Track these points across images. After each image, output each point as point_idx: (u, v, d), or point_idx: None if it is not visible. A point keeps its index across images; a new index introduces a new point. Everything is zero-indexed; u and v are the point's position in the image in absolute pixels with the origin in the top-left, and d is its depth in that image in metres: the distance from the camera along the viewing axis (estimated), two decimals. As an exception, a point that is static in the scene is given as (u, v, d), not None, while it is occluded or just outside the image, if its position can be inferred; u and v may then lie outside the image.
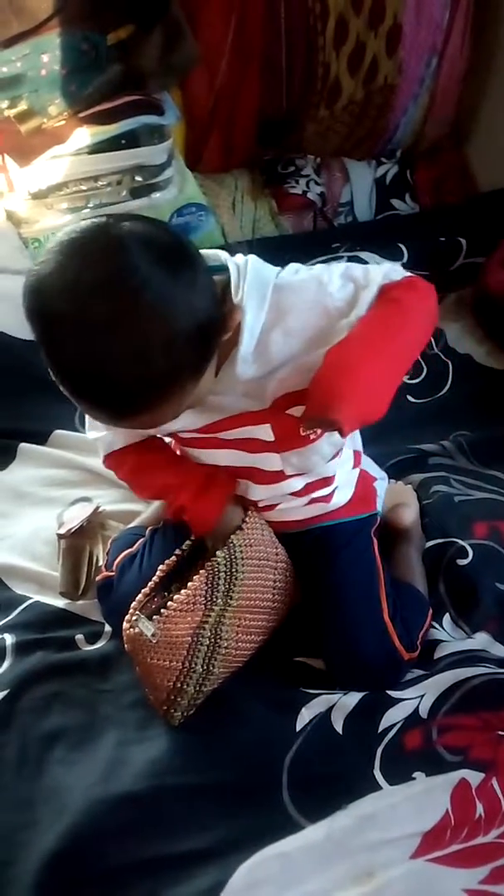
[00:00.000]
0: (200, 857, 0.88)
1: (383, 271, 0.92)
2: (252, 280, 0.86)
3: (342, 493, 1.09)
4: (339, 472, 1.07)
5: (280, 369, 0.91)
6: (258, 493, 1.04)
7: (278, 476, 1.01)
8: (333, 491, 1.07)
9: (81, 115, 1.73)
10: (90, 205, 1.77)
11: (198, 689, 0.99)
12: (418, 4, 1.78)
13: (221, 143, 1.91)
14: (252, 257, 0.89)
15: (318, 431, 0.92)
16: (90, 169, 1.75)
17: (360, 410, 0.83)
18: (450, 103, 1.97)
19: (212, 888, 0.84)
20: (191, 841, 0.89)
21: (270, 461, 1.00)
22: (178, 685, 0.97)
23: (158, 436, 1.06)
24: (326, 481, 1.05)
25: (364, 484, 1.13)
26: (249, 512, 1.06)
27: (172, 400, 0.78)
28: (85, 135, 1.73)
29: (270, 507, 1.07)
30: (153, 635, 0.95)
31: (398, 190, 1.98)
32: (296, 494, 1.05)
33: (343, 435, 0.83)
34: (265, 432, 0.96)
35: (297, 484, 1.03)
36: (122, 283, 0.70)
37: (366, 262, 0.93)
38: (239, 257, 0.89)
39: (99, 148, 1.74)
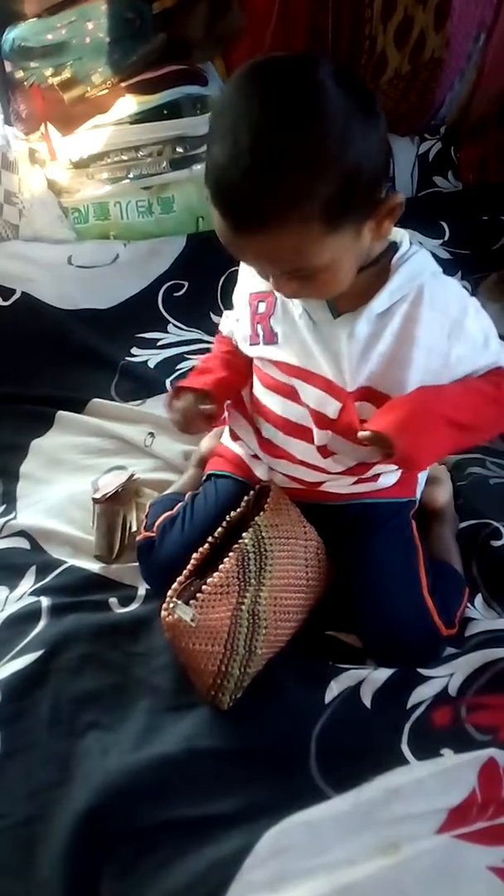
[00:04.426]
0: (228, 821, 0.89)
1: None
2: (418, 257, 0.91)
3: (389, 475, 1.09)
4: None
5: (376, 357, 0.93)
6: (305, 452, 1.05)
7: (322, 450, 1.03)
8: (380, 473, 1.08)
9: (124, 84, 1.72)
10: (130, 175, 1.77)
11: (243, 670, 0.99)
12: (469, -22, 1.75)
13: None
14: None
15: (363, 440, 0.93)
16: (131, 139, 1.75)
17: (418, 456, 0.92)
18: (497, 80, 1.93)
19: (238, 852, 0.85)
20: (219, 804, 0.90)
21: (319, 435, 1.01)
22: (224, 668, 0.97)
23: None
24: (364, 469, 1.06)
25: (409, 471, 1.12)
26: (272, 493, 1.06)
27: (292, 229, 0.75)
28: (127, 104, 1.73)
29: (318, 483, 1.09)
30: (192, 619, 0.95)
31: (441, 167, 1.96)
32: (342, 474, 1.06)
33: (388, 460, 0.91)
34: (333, 409, 0.98)
35: (340, 466, 1.05)
36: (311, 89, 0.73)
37: (415, 244, 0.93)
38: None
39: (141, 118, 1.74)
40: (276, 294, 0.97)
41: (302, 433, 1.04)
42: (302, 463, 1.07)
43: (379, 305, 0.90)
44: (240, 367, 1.12)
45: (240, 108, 0.74)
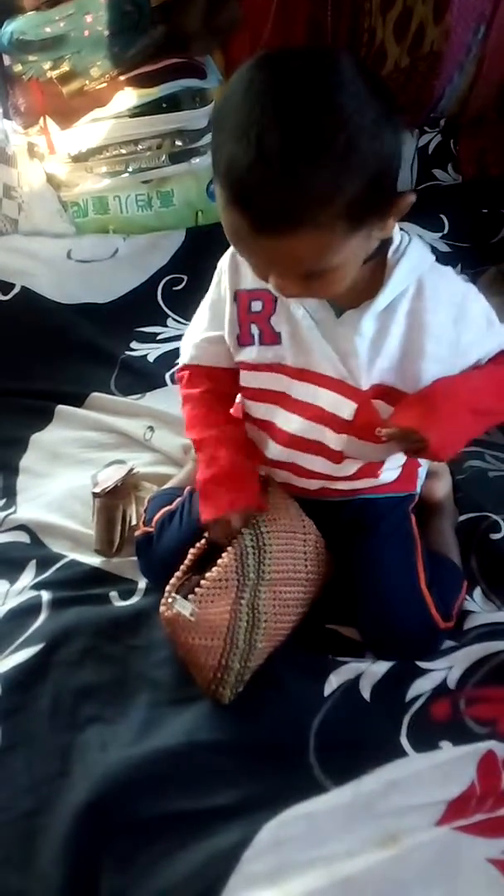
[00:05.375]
0: (228, 814, 0.89)
1: None
2: (414, 248, 0.89)
3: (390, 471, 1.08)
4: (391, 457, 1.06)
5: (387, 353, 0.92)
6: (315, 464, 1.03)
7: (336, 456, 1.01)
8: (381, 469, 1.07)
9: (123, 77, 1.72)
10: (129, 169, 1.77)
11: (244, 664, 0.99)
12: (468, -30, 1.75)
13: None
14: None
15: (387, 437, 0.92)
16: (130, 132, 1.74)
17: (448, 447, 0.91)
18: (497, 72, 1.92)
19: (238, 844, 0.85)
20: (219, 797, 0.90)
21: (335, 440, 1.00)
22: (224, 662, 0.98)
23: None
24: (375, 467, 1.05)
25: (410, 466, 1.11)
26: (270, 488, 1.06)
27: (321, 229, 0.73)
28: (126, 97, 1.72)
29: (320, 489, 1.07)
30: (191, 614, 0.95)
31: (440, 160, 1.95)
32: (345, 478, 1.05)
33: (423, 454, 0.90)
34: (348, 411, 0.96)
35: (350, 469, 1.03)
36: (331, 85, 0.71)
37: (405, 234, 0.92)
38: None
39: (140, 111, 1.73)
40: (275, 293, 0.93)
41: (311, 447, 1.02)
42: (308, 474, 1.05)
43: (383, 301, 0.89)
44: (230, 401, 1.08)
45: (260, 103, 0.70)
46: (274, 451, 1.05)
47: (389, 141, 0.74)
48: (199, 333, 1.06)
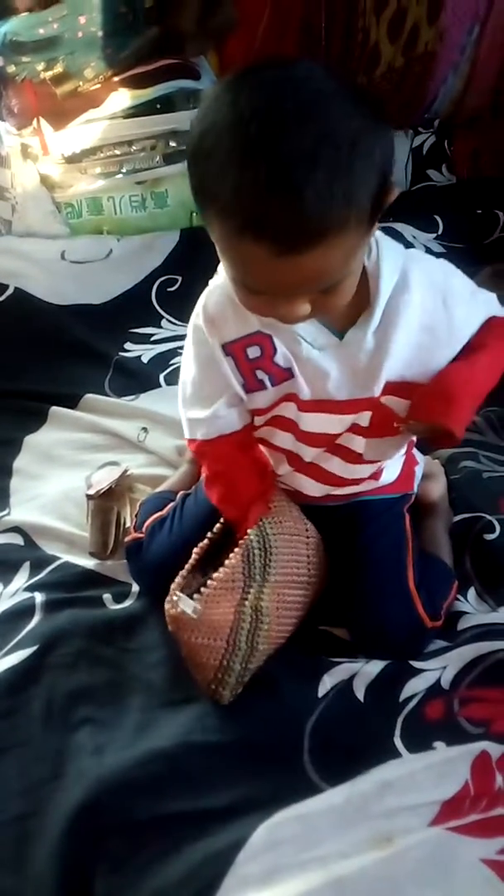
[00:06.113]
0: (222, 815, 0.89)
1: (495, 299, 0.97)
2: (387, 244, 0.88)
3: (390, 472, 1.09)
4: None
5: (390, 355, 0.90)
6: (338, 468, 1.04)
7: (357, 459, 1.02)
8: (382, 470, 1.07)
9: (117, 78, 1.72)
10: (123, 170, 1.77)
11: (244, 666, 0.99)
12: (462, -30, 1.75)
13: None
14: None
15: (410, 431, 0.93)
16: (124, 133, 1.75)
17: (465, 427, 0.92)
18: (491, 73, 1.93)
19: (232, 845, 0.85)
20: (213, 798, 0.90)
21: (355, 443, 1.00)
22: (225, 663, 0.98)
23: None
24: (378, 471, 1.06)
25: (408, 465, 1.12)
26: (274, 491, 1.06)
27: (345, 234, 0.70)
28: (120, 98, 1.73)
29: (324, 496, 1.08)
30: (195, 611, 0.95)
31: (435, 160, 1.96)
32: (351, 482, 1.05)
33: (448, 443, 0.92)
34: (366, 419, 0.96)
35: (366, 471, 1.04)
36: (325, 99, 0.69)
37: (399, 234, 0.92)
38: None
39: (134, 112, 1.74)
40: (270, 334, 0.91)
41: (327, 466, 1.03)
42: (322, 481, 1.06)
43: (380, 311, 0.88)
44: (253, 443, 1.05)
45: (255, 120, 0.67)
46: (284, 470, 1.06)
47: (385, 135, 0.73)
48: (208, 407, 0.99)
